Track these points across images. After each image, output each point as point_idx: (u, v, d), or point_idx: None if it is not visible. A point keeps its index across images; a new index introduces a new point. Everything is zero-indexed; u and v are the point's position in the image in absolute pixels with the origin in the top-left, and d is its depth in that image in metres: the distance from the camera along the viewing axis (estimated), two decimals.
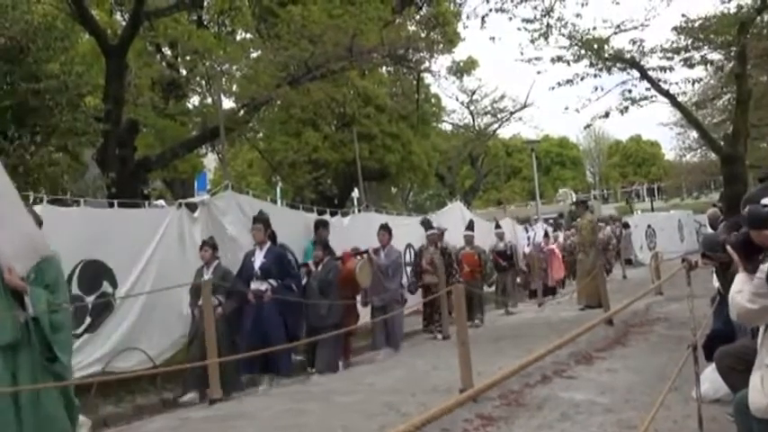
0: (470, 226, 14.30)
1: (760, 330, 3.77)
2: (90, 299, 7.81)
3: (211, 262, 8.62)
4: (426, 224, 12.89)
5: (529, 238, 18.94)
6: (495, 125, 32.15)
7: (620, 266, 22.54)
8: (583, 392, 6.57)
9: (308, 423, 6.00)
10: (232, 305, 8.46)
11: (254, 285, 8.71)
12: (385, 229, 11.21)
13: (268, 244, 9.04)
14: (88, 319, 7.81)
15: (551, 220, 29.01)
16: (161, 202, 11.50)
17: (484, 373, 6.77)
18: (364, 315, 11.05)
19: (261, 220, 9.15)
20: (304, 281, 9.59)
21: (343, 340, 9.74)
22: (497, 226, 16.48)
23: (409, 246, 13.36)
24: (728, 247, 3.89)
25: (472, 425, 5.55)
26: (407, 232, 13.47)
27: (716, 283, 6.51)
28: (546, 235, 19.56)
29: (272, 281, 8.73)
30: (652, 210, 42.31)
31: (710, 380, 5.31)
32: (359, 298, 10.50)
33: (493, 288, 15.75)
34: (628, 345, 9.35)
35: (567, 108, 20.55)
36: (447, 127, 32.13)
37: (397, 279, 11.10)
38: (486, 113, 31.20)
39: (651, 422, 4.56)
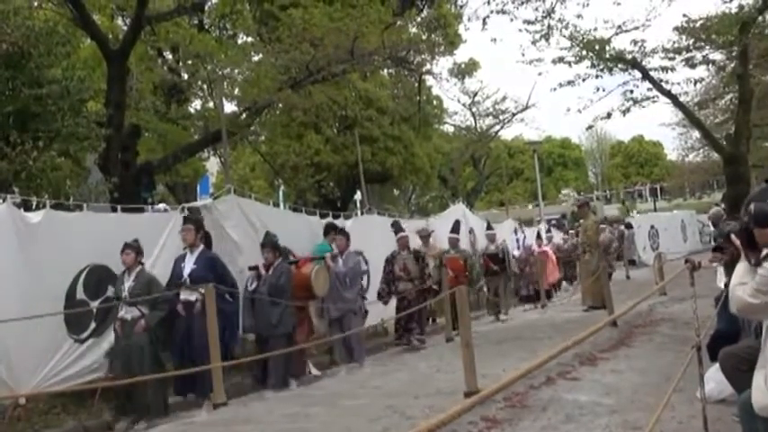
0: (455, 228, 13.62)
1: (763, 330, 3.76)
2: (95, 304, 7.80)
3: (134, 267, 7.63)
4: (396, 227, 11.99)
5: (518, 241, 17.98)
6: (497, 126, 32.26)
7: (622, 268, 22.49)
8: (587, 394, 6.56)
9: (312, 427, 5.99)
10: (157, 317, 7.51)
11: (184, 295, 7.77)
12: (342, 233, 10.40)
13: (200, 248, 8.07)
14: (93, 324, 7.80)
15: (554, 221, 29.03)
16: (162, 206, 11.47)
17: (488, 375, 6.76)
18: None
19: (191, 220, 8.32)
20: (254, 285, 8.74)
21: (298, 353, 8.78)
22: (489, 227, 15.71)
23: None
24: (732, 236, 3.89)
25: (477, 427, 5.54)
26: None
27: (720, 283, 6.50)
28: (538, 236, 18.93)
29: (203, 289, 7.73)
30: (655, 210, 42.30)
31: (715, 380, 5.29)
32: (313, 308, 9.70)
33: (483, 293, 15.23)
34: (632, 345, 9.32)
35: (568, 109, 20.78)
36: (449, 129, 32.25)
37: (356, 288, 10.12)
38: (487, 115, 31.28)
39: (656, 423, 4.54)
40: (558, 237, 22.50)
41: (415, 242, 12.70)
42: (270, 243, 8.95)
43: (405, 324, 11.11)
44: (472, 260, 13.17)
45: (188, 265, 7.92)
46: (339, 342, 9.80)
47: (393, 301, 11.39)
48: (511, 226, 19.49)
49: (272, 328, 8.44)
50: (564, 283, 20.93)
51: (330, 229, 11.13)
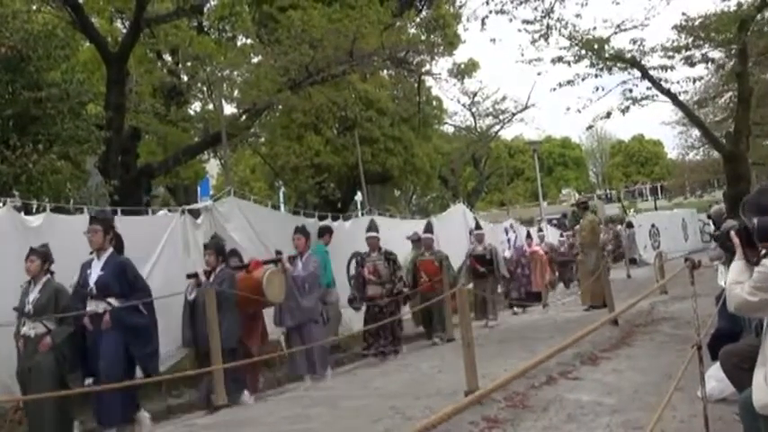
0: (429, 228, 12.66)
1: (764, 328, 3.77)
2: None
3: (39, 276, 6.73)
4: (369, 225, 11.25)
5: (509, 241, 16.88)
6: (497, 127, 32.19)
7: (622, 267, 22.46)
8: (589, 393, 6.56)
9: (313, 428, 5.99)
10: (64, 333, 6.64)
11: (90, 306, 6.80)
12: (302, 232, 9.38)
13: (109, 251, 6.99)
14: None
15: (555, 221, 28.99)
16: (163, 212, 11.43)
17: (489, 375, 6.75)
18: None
19: (99, 219, 7.16)
20: (193, 294, 7.96)
21: (250, 368, 8.12)
22: (477, 227, 14.72)
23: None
24: (732, 233, 3.90)
25: (478, 427, 5.54)
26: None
27: (721, 282, 6.50)
28: (528, 236, 18.16)
29: (112, 300, 6.82)
30: (655, 209, 42.28)
31: (716, 379, 5.29)
32: (271, 316, 9.04)
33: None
34: (633, 345, 9.32)
35: (568, 109, 20.61)
36: (449, 129, 32.22)
37: (315, 294, 9.09)
38: (487, 115, 31.22)
39: (657, 422, 4.54)
40: (552, 236, 22.16)
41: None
42: (213, 246, 8.28)
43: (375, 332, 10.33)
44: (447, 262, 12.16)
45: (94, 272, 6.89)
46: (300, 353, 8.79)
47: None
48: (516, 226, 19.42)
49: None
50: (561, 285, 20.76)
51: (324, 231, 11.13)
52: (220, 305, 7.67)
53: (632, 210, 39.60)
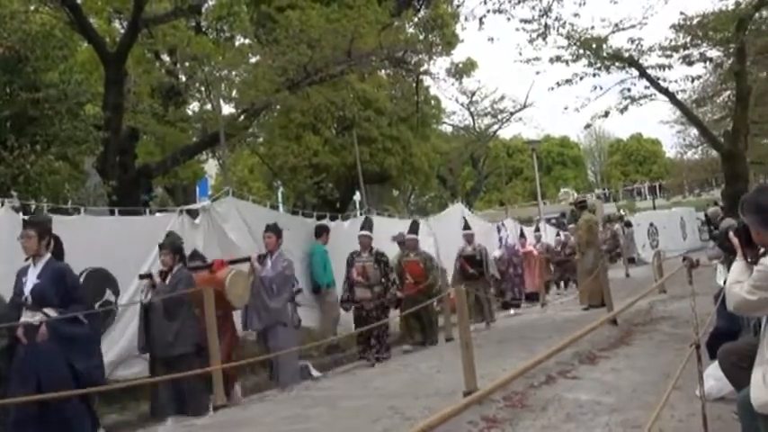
0: (414, 228, 12.16)
1: (762, 326, 3.77)
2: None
3: None
4: (365, 224, 10.83)
5: (501, 240, 16.45)
6: (496, 126, 32.24)
7: (621, 267, 22.45)
8: (587, 393, 6.56)
9: (313, 428, 5.99)
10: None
11: (25, 317, 6.23)
12: (272, 230, 8.87)
13: (46, 258, 6.37)
14: None
15: (554, 220, 28.98)
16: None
17: (488, 375, 6.75)
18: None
19: (33, 223, 6.58)
20: (148, 297, 7.48)
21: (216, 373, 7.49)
22: (466, 226, 14.24)
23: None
24: (731, 233, 3.91)
25: (477, 427, 5.53)
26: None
27: (719, 281, 6.51)
28: (522, 235, 17.68)
29: (48, 310, 6.20)
30: (654, 208, 42.31)
31: (715, 378, 5.29)
32: (238, 319, 8.56)
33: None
34: (632, 344, 9.32)
35: (566, 108, 20.64)
36: (447, 129, 32.24)
37: (284, 296, 8.56)
38: (486, 114, 31.25)
39: (656, 421, 4.54)
40: (548, 236, 21.72)
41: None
42: (169, 245, 7.69)
43: (366, 339, 10.12)
44: (431, 263, 11.73)
45: (30, 280, 6.30)
46: (265, 360, 8.36)
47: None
48: (509, 225, 19.29)
49: (169, 347, 7.19)
50: (558, 285, 20.64)
51: (322, 231, 11.10)
52: (175, 308, 7.23)
53: (627, 209, 39.66)
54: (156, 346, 7.35)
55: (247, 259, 8.59)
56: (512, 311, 15.14)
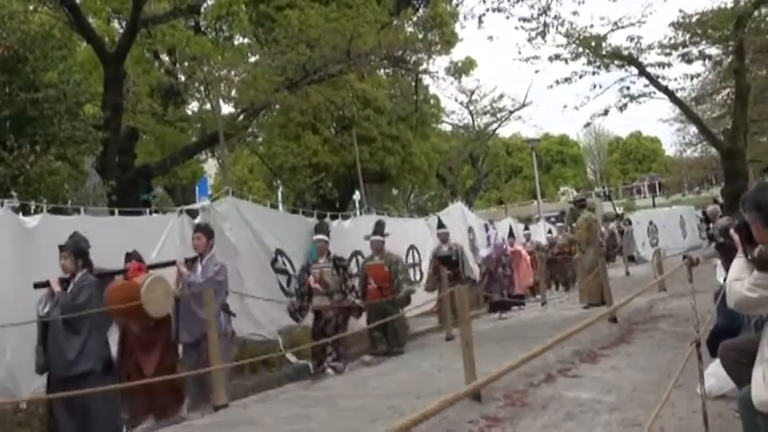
0: (379, 229, 11.23)
1: (763, 324, 3.76)
2: None
3: None
4: (322, 228, 10.19)
5: (489, 239, 15.37)
6: (495, 125, 32.23)
7: (615, 267, 22.37)
8: (588, 391, 6.56)
9: (313, 428, 5.98)
10: None
11: None
12: (203, 230, 7.94)
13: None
14: None
15: (553, 219, 28.95)
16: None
17: (488, 374, 6.75)
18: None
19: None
20: (46, 308, 6.54)
21: (144, 398, 6.99)
22: (440, 225, 13.34)
23: (412, 247, 13.27)
24: (731, 231, 3.90)
25: (477, 426, 5.53)
26: (412, 233, 13.44)
27: (719, 279, 6.50)
28: (510, 234, 16.48)
29: None
30: (653, 206, 42.31)
31: (715, 376, 5.30)
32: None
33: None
34: (632, 342, 9.32)
35: (565, 106, 20.62)
36: (447, 128, 32.21)
37: (216, 304, 7.46)
38: (485, 113, 31.25)
39: (656, 419, 4.54)
40: (540, 234, 21.14)
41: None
42: (70, 247, 6.80)
43: (323, 350, 9.35)
44: (396, 267, 10.82)
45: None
46: (193, 378, 7.30)
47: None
48: (507, 224, 19.15)
49: (70, 366, 6.32)
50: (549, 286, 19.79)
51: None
52: (76, 320, 6.41)
53: (622, 207, 39.69)
54: (56, 365, 6.39)
55: (173, 263, 7.58)
56: (497, 315, 14.11)
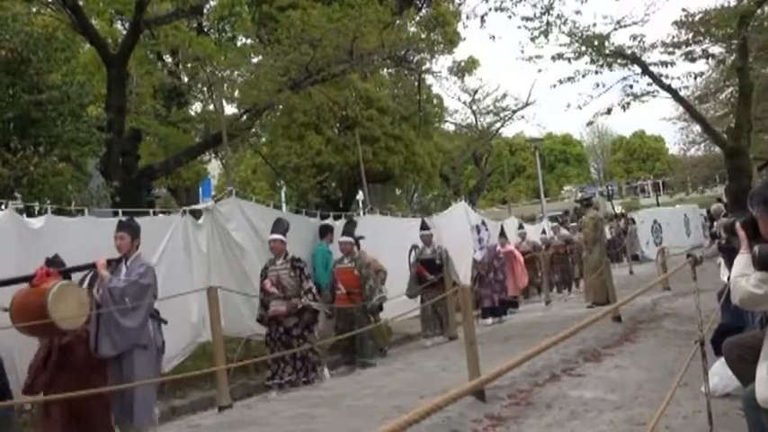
0: (348, 230, 10.57)
1: None
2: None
3: None
4: (280, 227, 9.16)
5: (481, 240, 14.15)
6: (498, 124, 32.14)
7: (618, 267, 22.31)
8: (592, 390, 6.56)
9: (317, 428, 5.99)
10: None
11: None
12: (126, 229, 6.84)
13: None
14: None
15: (558, 218, 28.91)
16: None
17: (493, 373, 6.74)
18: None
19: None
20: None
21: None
22: (423, 226, 12.36)
23: (414, 247, 13.17)
24: (737, 226, 3.90)
25: (482, 425, 5.54)
26: (414, 233, 13.42)
27: (723, 277, 6.50)
28: (502, 234, 15.40)
29: None
30: (657, 205, 42.27)
31: (720, 374, 5.30)
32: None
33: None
34: (636, 341, 9.32)
35: (569, 105, 20.60)
36: (450, 127, 32.15)
37: (142, 311, 6.46)
38: (488, 113, 31.15)
39: (661, 418, 4.54)
40: (534, 234, 20.13)
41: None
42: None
43: (277, 360, 8.54)
44: (366, 271, 10.12)
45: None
46: (115, 395, 6.31)
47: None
48: (513, 224, 19.01)
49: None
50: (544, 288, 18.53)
51: (326, 230, 10.96)
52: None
53: (619, 205, 39.68)
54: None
55: (92, 266, 6.57)
56: (489, 321, 13.43)
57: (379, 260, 10.82)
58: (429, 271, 11.63)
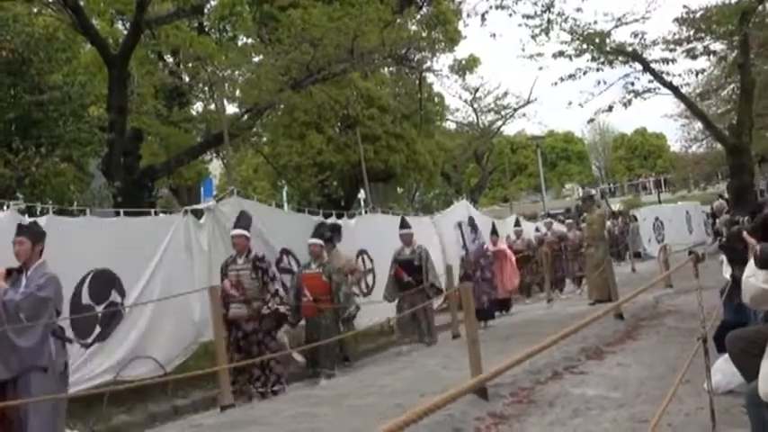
0: (318, 232, 9.91)
1: None
2: (99, 308, 7.83)
3: None
4: (243, 221, 8.54)
5: (463, 238, 13.34)
6: (500, 122, 32.14)
7: (620, 265, 22.21)
8: (594, 388, 6.55)
9: (319, 427, 5.99)
10: None
11: None
12: (26, 233, 5.94)
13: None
14: (98, 329, 7.83)
15: (560, 216, 28.88)
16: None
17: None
18: None
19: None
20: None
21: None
22: (402, 225, 11.43)
23: (418, 247, 13.07)
24: (744, 233, 3.90)
25: (484, 423, 5.53)
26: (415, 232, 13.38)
27: (726, 275, 6.49)
28: (494, 231, 14.66)
29: None
30: (659, 202, 42.25)
31: (722, 371, 5.29)
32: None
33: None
34: (638, 339, 9.31)
35: (570, 103, 20.65)
36: (451, 125, 32.16)
37: (39, 329, 5.57)
38: (489, 111, 31.15)
39: (663, 415, 4.53)
40: (530, 231, 19.19)
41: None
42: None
43: (241, 369, 7.90)
44: (338, 277, 9.53)
45: None
46: (18, 423, 5.51)
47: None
48: (511, 221, 18.76)
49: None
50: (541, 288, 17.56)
51: (334, 230, 10.93)
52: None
53: (618, 203, 39.66)
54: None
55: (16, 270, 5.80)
56: (482, 324, 11.76)
57: (356, 261, 10.75)
58: (407, 272, 10.83)
